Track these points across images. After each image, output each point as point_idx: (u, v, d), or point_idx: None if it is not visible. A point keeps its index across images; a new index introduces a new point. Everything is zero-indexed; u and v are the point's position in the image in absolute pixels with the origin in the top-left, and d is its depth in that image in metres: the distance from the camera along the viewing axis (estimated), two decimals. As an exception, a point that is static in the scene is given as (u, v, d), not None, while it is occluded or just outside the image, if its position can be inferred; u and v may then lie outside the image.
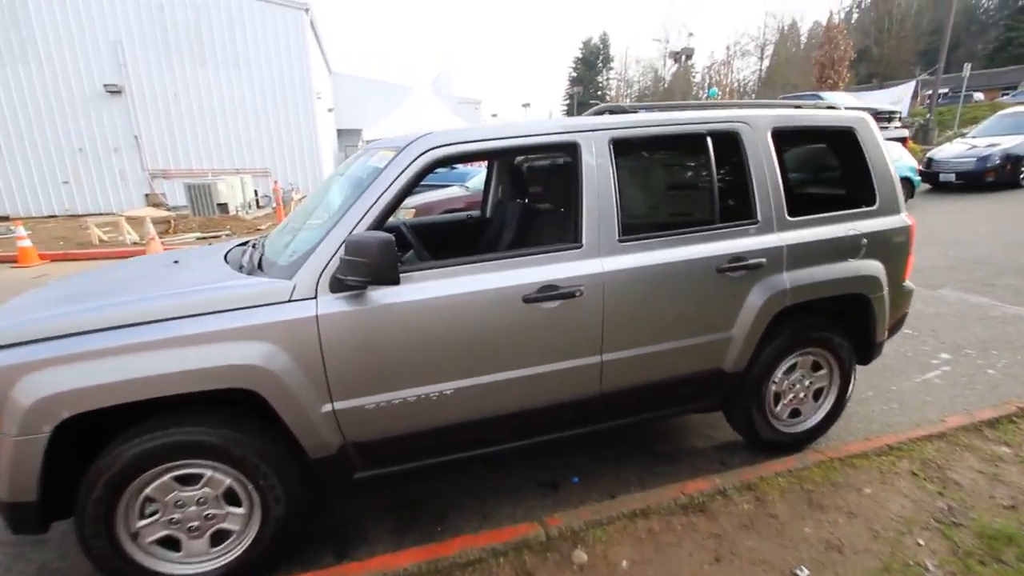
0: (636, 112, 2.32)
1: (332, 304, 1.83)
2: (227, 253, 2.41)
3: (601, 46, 66.01)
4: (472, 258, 1.99)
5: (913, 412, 3.09)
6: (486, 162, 3.86)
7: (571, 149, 2.13)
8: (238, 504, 1.88)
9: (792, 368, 2.61)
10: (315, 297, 1.83)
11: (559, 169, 2.51)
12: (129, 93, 16.89)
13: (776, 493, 2.28)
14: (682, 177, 2.51)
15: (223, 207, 13.38)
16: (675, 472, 2.56)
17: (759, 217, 2.36)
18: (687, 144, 2.33)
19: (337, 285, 1.83)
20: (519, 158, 3.21)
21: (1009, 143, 10.94)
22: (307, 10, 17.34)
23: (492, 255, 2.03)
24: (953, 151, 11.72)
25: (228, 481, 1.85)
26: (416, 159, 1.94)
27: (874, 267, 2.57)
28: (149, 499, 1.80)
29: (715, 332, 2.33)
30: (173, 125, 17.43)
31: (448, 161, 2.00)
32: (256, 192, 16.70)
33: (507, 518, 2.27)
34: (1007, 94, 30.21)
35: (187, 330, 1.71)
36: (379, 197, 1.89)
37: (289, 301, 1.81)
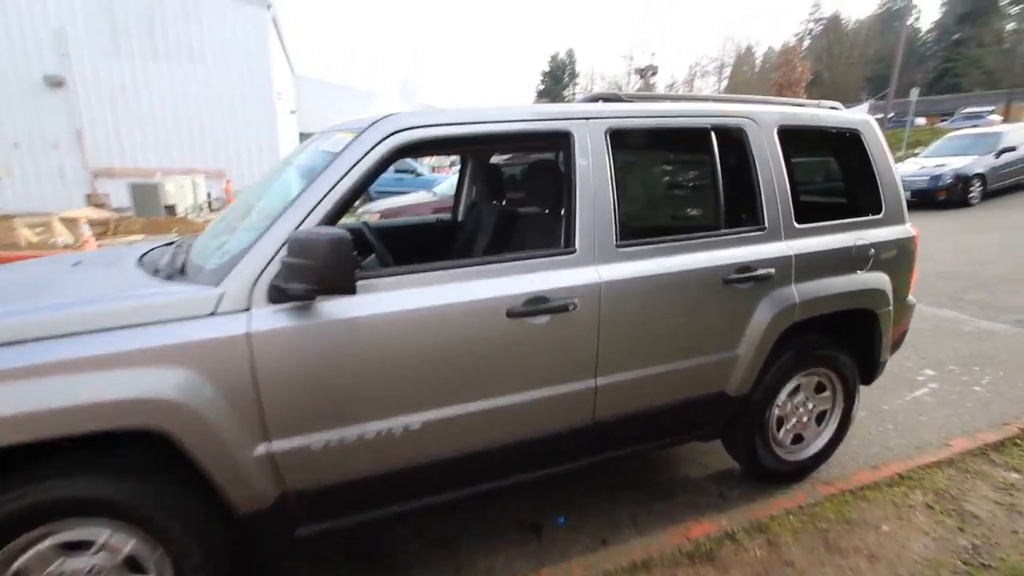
0: (633, 101, 2.05)
1: (270, 318, 1.46)
2: (144, 255, 1.99)
3: (568, 61, 66.91)
4: (447, 264, 1.65)
5: (910, 433, 2.92)
6: (459, 159, 3.52)
7: (563, 139, 1.83)
8: None
9: (795, 390, 2.38)
10: (248, 309, 1.45)
11: (546, 165, 2.20)
12: (72, 85, 15.75)
13: (789, 534, 2.02)
14: (684, 176, 2.26)
15: (171, 209, 12.53)
16: (671, 509, 2.28)
17: (766, 223, 2.12)
18: (690, 139, 2.08)
19: (277, 294, 1.46)
20: (496, 155, 2.90)
21: (958, 163, 11.41)
22: (269, 7, 16.68)
23: (471, 261, 1.70)
24: (906, 171, 12.15)
25: (130, 546, 1.43)
26: (379, 143, 1.60)
27: (881, 280, 2.38)
28: (20, 575, 1.37)
29: (720, 351, 2.07)
30: (120, 121, 16.34)
31: (417, 148, 1.67)
32: (209, 194, 15.80)
33: (484, 574, 1.92)
34: (945, 120, 32.16)
35: (73, 352, 1.30)
36: (333, 187, 1.54)
37: (213, 314, 1.43)
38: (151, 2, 15.70)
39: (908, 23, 23.47)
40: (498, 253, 2.46)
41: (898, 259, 2.45)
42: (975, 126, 17.77)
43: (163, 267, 1.73)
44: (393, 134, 1.61)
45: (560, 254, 1.79)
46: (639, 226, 1.94)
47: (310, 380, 1.50)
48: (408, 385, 1.61)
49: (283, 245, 1.45)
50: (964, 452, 2.54)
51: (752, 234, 2.09)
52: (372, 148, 1.59)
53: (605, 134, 1.86)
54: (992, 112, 28.81)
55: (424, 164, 21.33)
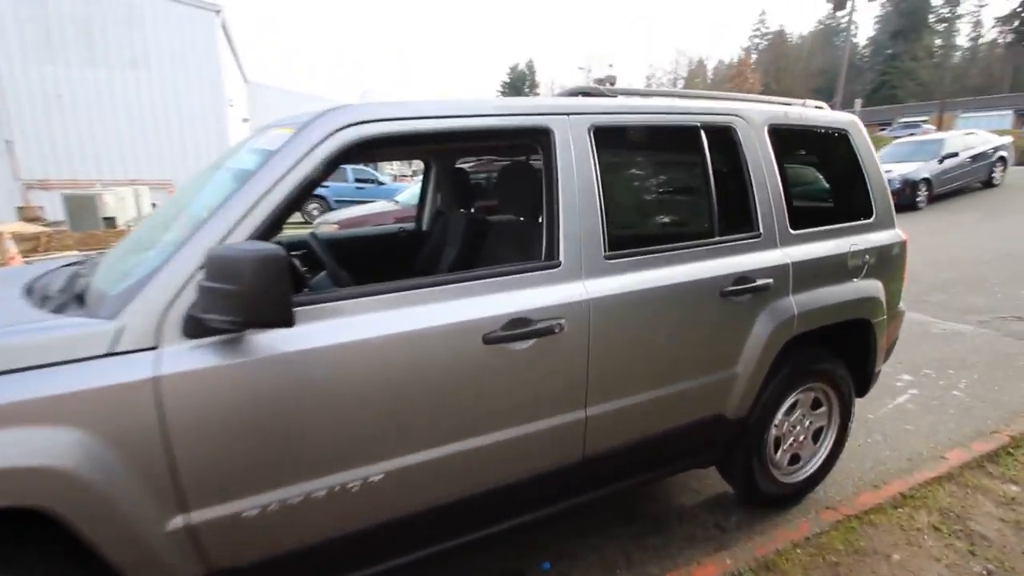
0: (615, 96, 1.85)
1: (184, 357, 1.15)
2: (36, 279, 1.64)
3: (528, 72, 67.45)
4: (411, 283, 1.39)
5: (899, 444, 2.82)
6: (422, 165, 3.24)
7: (541, 137, 1.60)
8: None
9: (792, 407, 2.21)
10: (156, 347, 1.15)
11: (521, 166, 1.97)
12: (1, 92, 14.60)
13: (799, 571, 1.83)
14: (673, 179, 2.06)
15: (110, 221, 11.67)
16: (667, 545, 2.06)
17: (760, 229, 1.95)
18: (679, 138, 1.89)
19: (194, 327, 1.16)
20: (463, 160, 2.65)
21: (905, 169, 11.90)
22: (218, 12, 15.99)
23: (440, 278, 1.44)
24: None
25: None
26: (325, 139, 1.33)
27: (875, 288, 2.25)
28: None
29: (718, 370, 1.88)
30: (55, 130, 15.26)
31: (372, 146, 1.40)
32: (154, 205, 14.89)
33: (461, 642, 1.64)
34: (884, 129, 34.01)
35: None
36: (266, 193, 1.25)
37: (109, 355, 1.12)
38: (89, 7, 14.77)
39: (847, 39, 24.74)
40: (469, 267, 2.24)
41: (890, 265, 2.33)
42: (912, 134, 18.71)
43: (54, 295, 1.40)
44: (342, 129, 1.34)
45: (542, 268, 1.55)
46: (628, 235, 1.73)
47: (241, 432, 1.20)
48: (366, 430, 1.34)
49: (201, 266, 1.15)
50: (961, 465, 2.44)
51: (747, 241, 1.91)
52: (317, 145, 1.32)
53: (589, 131, 1.65)
54: (927, 121, 30.63)
55: (386, 173, 20.88)
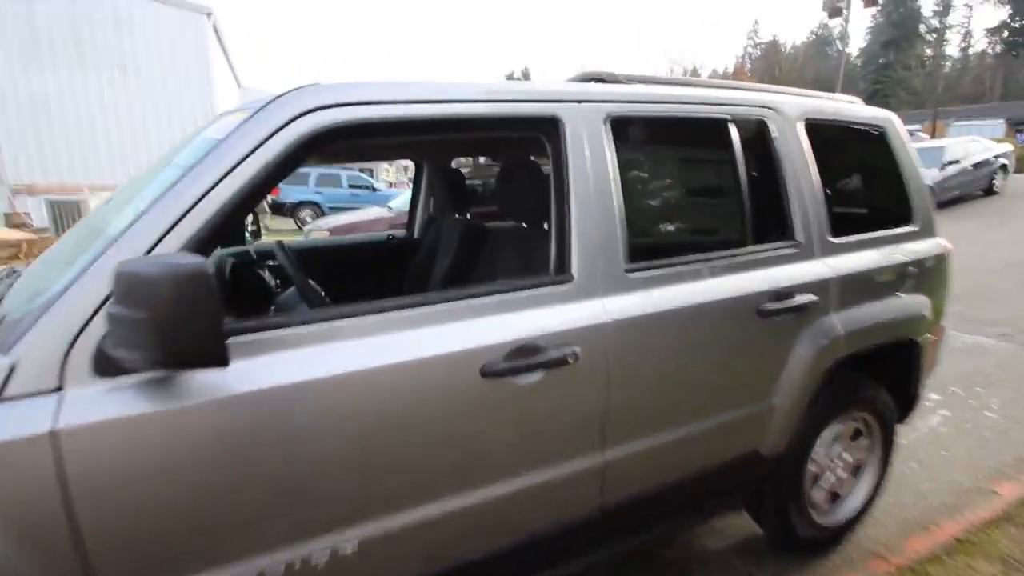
0: (631, 83, 1.60)
1: (94, 403, 0.88)
2: None
3: (522, 79, 67.61)
4: (392, 303, 1.12)
5: (938, 474, 2.56)
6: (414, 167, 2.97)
7: (549, 128, 1.35)
8: None
9: (831, 439, 1.95)
10: (59, 388, 0.88)
11: (524, 163, 1.71)
12: (-16, 98, 14.27)
13: (852, 640, 1.56)
14: (701, 178, 1.81)
15: (96, 228, 11.32)
16: (693, 600, 1.79)
17: (799, 238, 1.70)
18: (706, 132, 1.64)
19: (106, 365, 0.89)
20: (457, 156, 2.39)
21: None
22: (209, 14, 15.75)
23: (428, 297, 1.17)
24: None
25: None
26: (284, 127, 1.06)
27: (922, 303, 2.01)
28: None
29: (755, 401, 1.62)
30: (42, 133, 14.93)
31: (344, 135, 1.14)
32: (144, 212, 14.52)
33: None
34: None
35: None
36: (205, 193, 0.99)
37: (-8, 403, 0.85)
38: (75, 8, 14.50)
39: (839, 49, 24.83)
40: (464, 280, 1.98)
41: (935, 278, 2.09)
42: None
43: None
44: (306, 114, 1.08)
45: (552, 283, 1.29)
46: (651, 244, 1.48)
47: (171, 498, 0.93)
48: (331, 492, 1.06)
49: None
50: (1016, 502, 2.18)
51: (785, 251, 1.66)
52: (272, 135, 1.05)
53: (605, 122, 1.39)
54: (920, 130, 30.76)
55: (381, 179, 20.64)
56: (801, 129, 1.78)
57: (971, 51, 53.80)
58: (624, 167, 1.40)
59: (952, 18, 53.27)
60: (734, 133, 1.62)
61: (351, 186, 15.52)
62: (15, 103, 14.47)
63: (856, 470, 2.09)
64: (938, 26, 53.05)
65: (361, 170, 18.01)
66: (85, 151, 15.22)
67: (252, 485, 0.99)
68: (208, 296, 0.78)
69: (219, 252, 1.84)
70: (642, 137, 1.48)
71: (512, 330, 1.20)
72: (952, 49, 54.09)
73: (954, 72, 51.78)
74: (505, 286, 1.25)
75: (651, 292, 1.39)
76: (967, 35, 54.48)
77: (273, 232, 13.49)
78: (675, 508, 1.61)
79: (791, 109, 1.78)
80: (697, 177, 1.78)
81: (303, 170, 14.93)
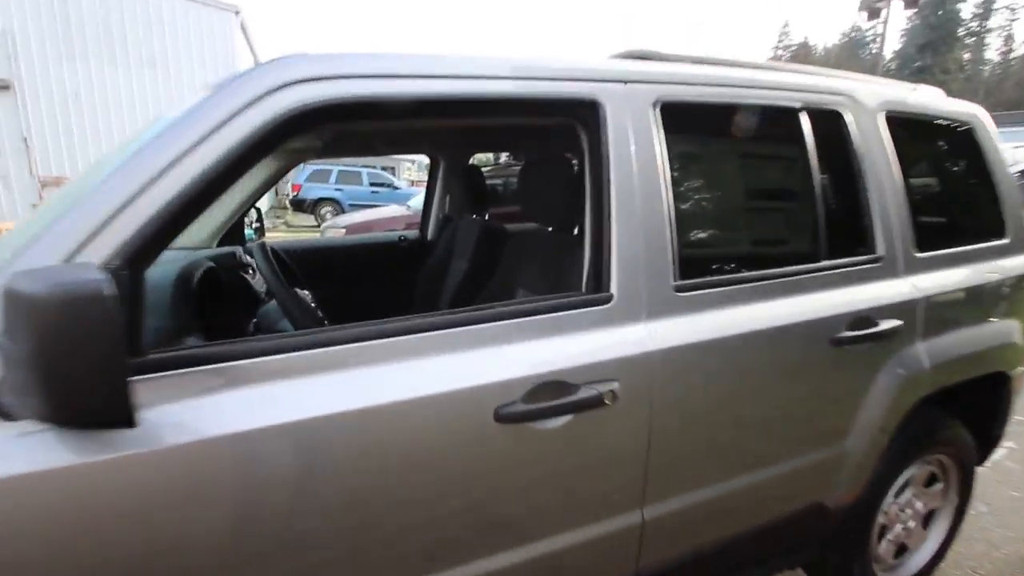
0: (682, 63, 1.34)
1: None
2: None
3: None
4: (375, 328, 0.89)
5: (1011, 519, 2.25)
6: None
7: (585, 114, 1.10)
8: None
9: (904, 486, 1.67)
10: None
11: (553, 157, 1.47)
12: (19, 89, 14.53)
13: None
14: (766, 178, 1.54)
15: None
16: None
17: (881, 251, 1.42)
18: (773, 123, 1.38)
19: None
20: (474, 149, 2.16)
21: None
22: (237, 12, 15.84)
23: (427, 320, 0.94)
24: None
25: None
26: (255, 103, 0.84)
27: (1015, 330, 1.70)
28: None
29: (823, 446, 1.35)
30: (72, 127, 15.18)
31: (333, 115, 0.91)
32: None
33: None
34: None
35: None
36: (150, 181, 0.77)
37: None
38: (108, 6, 14.72)
39: (873, 51, 23.97)
40: (480, 287, 1.74)
41: (1029, 300, 1.78)
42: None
43: None
44: (285, 87, 0.86)
45: (586, 303, 1.05)
46: (706, 256, 1.23)
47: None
48: (308, 563, 0.84)
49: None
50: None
51: (865, 267, 1.39)
52: (239, 112, 0.83)
53: (654, 107, 1.14)
54: (960, 136, 29.50)
55: (403, 178, 20.59)
56: (882, 122, 1.50)
57: (1013, 55, 51.71)
58: (676, 163, 1.15)
59: (993, 21, 51.38)
60: (806, 125, 1.35)
61: (372, 184, 15.48)
62: (47, 98, 14.76)
63: (927, 519, 1.80)
64: (978, 29, 51.17)
65: (384, 168, 17.99)
66: (112, 145, 15.49)
67: (205, 557, 0.77)
68: (106, 329, 0.56)
69: (195, 254, 1.64)
70: (698, 127, 1.23)
71: (534, 362, 0.96)
72: (991, 53, 52.15)
73: (994, 77, 49.84)
74: (526, 305, 1.01)
75: (705, 315, 1.14)
76: (1008, 39, 52.44)
77: (294, 229, 13.50)
78: (721, 573, 1.35)
79: (870, 98, 1.51)
80: (761, 177, 1.52)
81: (324, 166, 14.94)
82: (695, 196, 1.26)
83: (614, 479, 1.06)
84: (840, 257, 1.36)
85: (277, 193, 17.23)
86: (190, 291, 1.24)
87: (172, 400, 0.74)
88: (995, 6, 50.17)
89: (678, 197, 1.14)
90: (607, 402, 0.98)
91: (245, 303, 1.48)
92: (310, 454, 0.81)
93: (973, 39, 51.26)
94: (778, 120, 1.35)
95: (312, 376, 0.82)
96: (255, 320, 1.34)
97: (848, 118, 1.44)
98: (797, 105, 1.35)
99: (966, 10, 50.72)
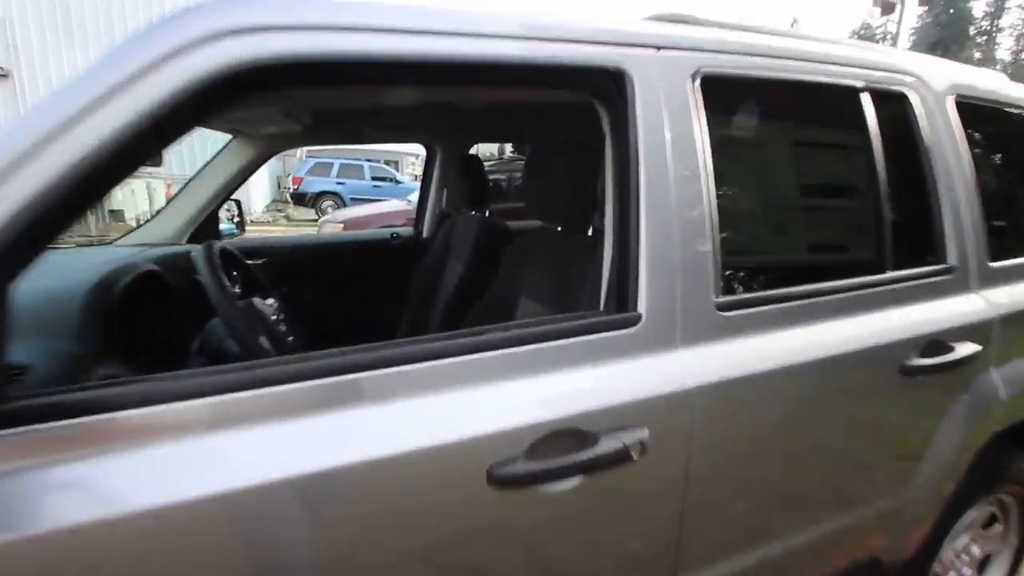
0: (722, 29, 1.11)
1: None
2: None
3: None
4: (328, 361, 0.66)
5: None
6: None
7: (608, 87, 0.88)
8: None
9: (962, 530, 1.45)
10: None
11: (564, 144, 1.24)
12: (18, 78, 14.41)
13: None
14: (821, 173, 1.31)
15: (117, 214, 11.27)
16: None
17: (952, 261, 1.20)
18: (830, 106, 1.15)
19: None
20: (474, 137, 1.94)
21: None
22: (238, 2, 15.65)
23: (398, 350, 0.71)
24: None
25: None
26: (174, 56, 0.62)
27: (1095, 353, 1.48)
28: None
29: (884, 496, 1.13)
30: (71, 118, 15.06)
31: (285, 77, 0.70)
32: (168, 200, 14.54)
33: None
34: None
35: None
36: (19, 159, 0.56)
37: None
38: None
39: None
40: (480, 292, 1.52)
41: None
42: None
43: None
44: (211, 40, 0.64)
45: (608, 325, 0.83)
46: (754, 265, 1.00)
47: None
48: None
49: None
50: None
51: (934, 279, 1.16)
52: (149, 70, 0.62)
53: (694, 79, 0.92)
54: (971, 136, 29.16)
55: (406, 172, 20.33)
56: (952, 107, 1.27)
57: (1024, 55, 51.09)
58: (719, 151, 0.92)
59: (1004, 20, 50.71)
60: (869, 108, 1.13)
61: (374, 178, 15.27)
62: (47, 86, 14.56)
63: (982, 564, 1.58)
64: (989, 28, 50.56)
65: (387, 162, 17.77)
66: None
67: None
68: None
69: (133, 254, 1.42)
70: (747, 107, 1.00)
71: (539, 404, 0.74)
72: (1003, 53, 51.49)
73: (1008, 76, 49.22)
74: (530, 329, 0.79)
75: (752, 339, 0.91)
76: (1020, 38, 51.76)
77: (295, 223, 13.26)
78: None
79: (938, 79, 1.27)
80: (818, 170, 1.28)
81: (326, 160, 14.69)
82: (743, 193, 1.03)
83: (640, 548, 0.85)
84: (907, 268, 1.13)
85: (280, 186, 17.02)
86: (111, 303, 1.02)
87: (32, 470, 0.52)
88: (1007, 5, 49.50)
89: (721, 194, 0.91)
90: (634, 456, 0.76)
91: (196, 316, 1.23)
92: (223, 550, 0.59)
93: (984, 38, 50.63)
94: (838, 102, 1.13)
95: (239, 429, 0.60)
96: (199, 340, 1.11)
97: (915, 102, 1.21)
98: (859, 84, 1.13)
99: (977, 8, 50.06)
